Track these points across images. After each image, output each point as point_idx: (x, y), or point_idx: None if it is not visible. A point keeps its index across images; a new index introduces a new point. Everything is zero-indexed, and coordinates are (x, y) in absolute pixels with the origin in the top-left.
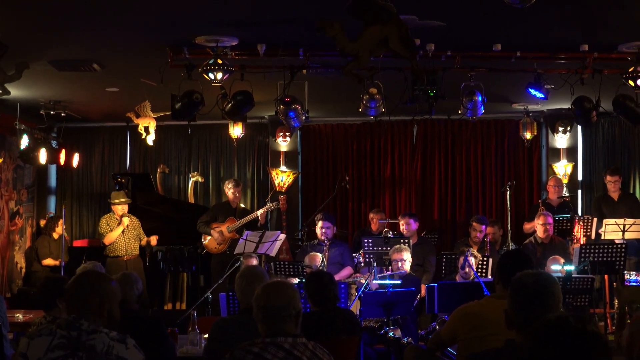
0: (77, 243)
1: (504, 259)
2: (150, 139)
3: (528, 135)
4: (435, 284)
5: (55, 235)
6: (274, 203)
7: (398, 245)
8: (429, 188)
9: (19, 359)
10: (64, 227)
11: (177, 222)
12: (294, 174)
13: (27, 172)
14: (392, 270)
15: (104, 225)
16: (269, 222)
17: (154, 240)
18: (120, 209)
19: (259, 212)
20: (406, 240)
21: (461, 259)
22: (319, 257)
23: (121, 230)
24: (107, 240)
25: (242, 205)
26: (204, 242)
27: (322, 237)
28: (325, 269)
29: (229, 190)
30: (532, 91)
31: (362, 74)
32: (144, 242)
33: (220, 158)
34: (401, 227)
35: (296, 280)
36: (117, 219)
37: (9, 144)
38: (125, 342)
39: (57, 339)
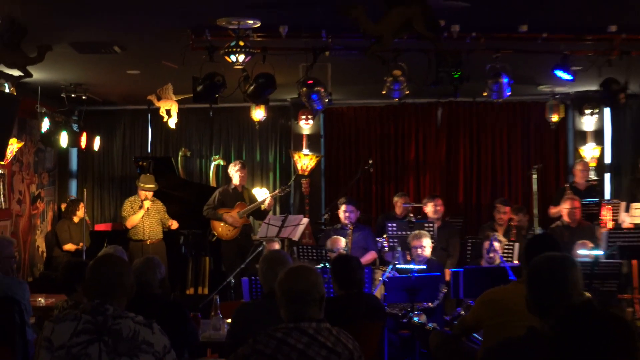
0: (99, 227)
1: (531, 243)
2: (171, 122)
3: (554, 118)
4: (461, 269)
5: (76, 219)
6: (280, 189)
7: (417, 232)
8: (453, 172)
9: (44, 343)
10: (85, 210)
11: (199, 206)
12: (316, 157)
13: (48, 156)
14: (412, 257)
15: (128, 208)
16: (291, 206)
17: (174, 224)
18: (144, 193)
19: (267, 201)
20: (431, 225)
21: (486, 244)
22: (342, 241)
23: (141, 214)
24: (129, 223)
25: (258, 187)
26: (214, 229)
27: (346, 221)
28: (349, 254)
29: (236, 172)
30: (559, 73)
31: (386, 56)
32: (166, 227)
33: (242, 141)
34: (430, 209)
35: (320, 265)
36: (140, 202)
37: (29, 128)
38: (152, 327)
39: (83, 324)
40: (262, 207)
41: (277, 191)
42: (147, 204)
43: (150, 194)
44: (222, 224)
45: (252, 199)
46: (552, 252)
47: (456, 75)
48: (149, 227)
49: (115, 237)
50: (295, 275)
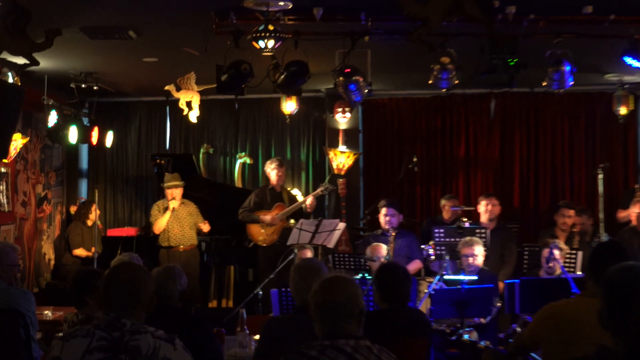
0: (112, 232)
1: (597, 252)
2: (193, 116)
3: (623, 111)
4: (517, 280)
5: (89, 222)
6: (323, 188)
7: (468, 238)
8: (508, 171)
9: None
10: (98, 213)
11: (222, 209)
12: (354, 154)
13: (56, 153)
14: (462, 267)
15: (155, 212)
16: (326, 210)
17: (205, 226)
18: (170, 193)
19: (308, 201)
20: (483, 231)
21: (545, 252)
22: (383, 249)
23: (167, 217)
24: (156, 228)
25: (288, 188)
26: (250, 234)
27: (387, 226)
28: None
29: (272, 171)
30: (628, 60)
31: (433, 41)
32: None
33: (271, 137)
34: (482, 209)
35: (358, 276)
36: (167, 204)
37: (35, 121)
38: (174, 343)
39: (97, 341)
40: (304, 208)
41: (319, 189)
42: (172, 204)
43: (177, 194)
44: (259, 228)
45: (293, 200)
46: (622, 261)
47: (512, 63)
48: (179, 232)
49: (129, 243)
50: (331, 287)
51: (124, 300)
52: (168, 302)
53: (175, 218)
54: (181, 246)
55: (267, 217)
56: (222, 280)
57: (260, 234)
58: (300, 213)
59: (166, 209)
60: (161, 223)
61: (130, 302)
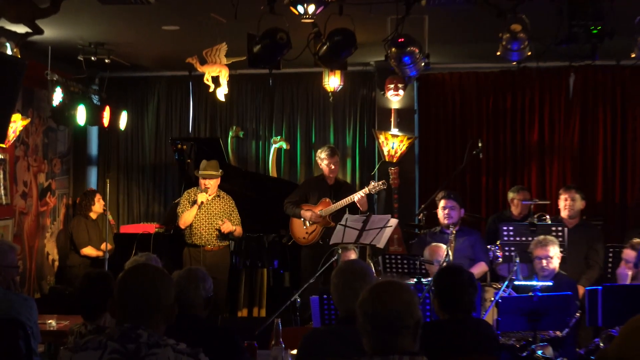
0: (125, 229)
1: None
2: (220, 93)
3: None
4: (599, 287)
5: (93, 215)
6: (379, 182)
7: (542, 237)
8: (589, 159)
9: None
10: (105, 206)
11: (254, 202)
12: (408, 139)
13: (61, 137)
14: (535, 271)
15: (184, 202)
16: (375, 204)
17: (237, 230)
18: (203, 183)
19: (356, 198)
20: (560, 229)
21: (630, 254)
22: (442, 250)
23: (194, 211)
24: (182, 222)
25: (342, 178)
26: (291, 230)
27: (446, 222)
28: (459, 265)
29: (322, 161)
30: None
31: (502, 5)
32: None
33: (312, 118)
34: (562, 204)
35: (413, 281)
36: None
37: (37, 100)
38: (198, 358)
39: (109, 354)
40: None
41: (373, 185)
42: (201, 197)
43: (212, 185)
44: (301, 225)
45: (343, 195)
46: None
47: (595, 31)
48: (208, 229)
49: (146, 242)
50: (381, 294)
51: (140, 308)
52: (191, 311)
53: (205, 213)
54: (208, 246)
55: (308, 213)
56: (254, 285)
57: (301, 232)
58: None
59: (194, 201)
60: (187, 217)
61: (148, 310)
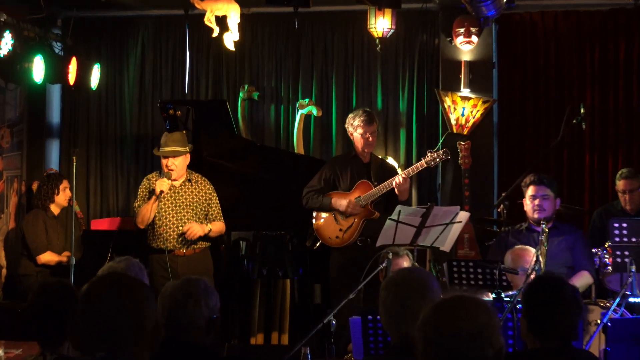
0: (98, 224)
1: None
2: (228, 40)
3: None
4: None
5: (56, 209)
6: (439, 152)
7: None
8: None
9: None
10: (73, 197)
11: (273, 189)
12: (484, 103)
13: (11, 99)
14: None
15: (141, 192)
16: (438, 190)
17: (216, 227)
18: (165, 164)
19: (397, 179)
20: None
21: None
22: (530, 254)
23: (154, 204)
24: (139, 219)
25: (381, 157)
26: (317, 229)
27: (536, 216)
28: (556, 275)
29: (355, 130)
30: None
31: None
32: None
33: (351, 74)
34: None
35: (490, 296)
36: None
37: None
38: None
39: None
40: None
41: (430, 155)
42: (161, 185)
43: (179, 166)
44: (331, 221)
45: (385, 176)
46: None
47: None
48: (177, 227)
49: (125, 241)
50: (449, 314)
51: (114, 333)
52: (188, 336)
53: (171, 205)
54: (181, 249)
55: (343, 201)
56: (273, 301)
57: (332, 229)
58: (395, 197)
59: (153, 190)
60: (145, 213)
61: (124, 335)
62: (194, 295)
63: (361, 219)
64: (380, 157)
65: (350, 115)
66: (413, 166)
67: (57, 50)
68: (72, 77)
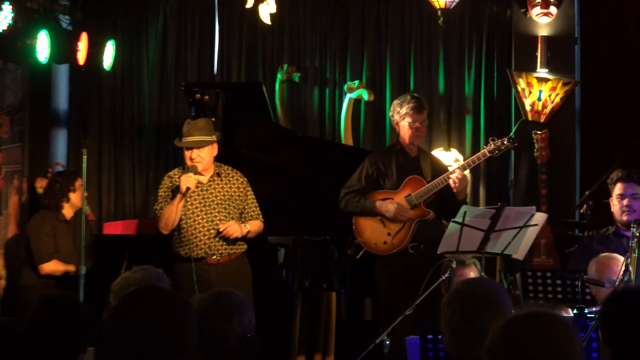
0: (112, 228)
1: None
2: (264, 12)
3: None
4: None
5: (69, 211)
6: (504, 139)
7: None
8: None
9: None
10: (86, 194)
11: (317, 186)
12: (565, 85)
13: (12, 82)
14: None
15: (163, 192)
16: (510, 188)
17: (254, 226)
18: (190, 157)
19: (453, 176)
20: None
21: None
22: (618, 263)
23: (179, 205)
24: (162, 224)
25: (437, 151)
26: (360, 234)
27: (625, 218)
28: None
29: (403, 118)
30: None
31: None
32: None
33: (409, 52)
34: None
35: (571, 312)
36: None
37: None
38: None
39: None
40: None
41: (493, 144)
42: (187, 181)
43: (205, 157)
44: (376, 224)
45: (438, 171)
46: None
47: None
48: (207, 229)
49: (144, 249)
50: (523, 334)
51: (147, 356)
52: (219, 358)
53: (199, 204)
54: (213, 256)
55: (390, 205)
56: (316, 317)
57: (379, 233)
58: (451, 195)
59: (177, 188)
60: (169, 216)
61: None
62: (224, 311)
63: (413, 221)
64: (437, 149)
65: (396, 102)
66: (473, 157)
67: (64, 25)
68: (82, 56)
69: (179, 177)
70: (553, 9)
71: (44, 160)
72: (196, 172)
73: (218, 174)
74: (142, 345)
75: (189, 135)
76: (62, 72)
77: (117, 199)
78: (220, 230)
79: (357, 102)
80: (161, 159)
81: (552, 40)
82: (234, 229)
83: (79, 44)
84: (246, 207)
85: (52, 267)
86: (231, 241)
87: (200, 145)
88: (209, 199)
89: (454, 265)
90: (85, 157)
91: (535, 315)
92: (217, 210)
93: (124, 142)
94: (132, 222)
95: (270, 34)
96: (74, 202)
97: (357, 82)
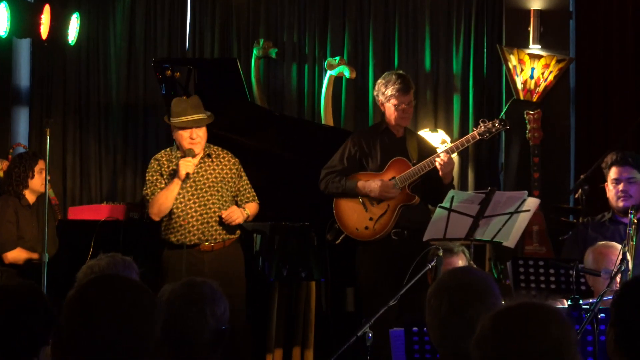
0: (77, 213)
1: None
2: None
3: None
4: None
5: (31, 196)
6: (494, 121)
7: None
8: None
9: None
10: (46, 179)
11: (295, 170)
12: (559, 62)
13: None
14: None
15: (152, 176)
16: (500, 171)
17: (250, 210)
18: (190, 137)
19: (441, 156)
20: None
21: None
22: (615, 251)
23: (176, 190)
24: (155, 209)
25: (423, 132)
26: (340, 219)
27: (621, 204)
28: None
29: (388, 99)
30: None
31: None
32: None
33: (393, 27)
34: None
35: (565, 303)
36: (176, 161)
37: None
38: None
39: None
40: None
41: (482, 126)
42: (185, 166)
43: (200, 138)
44: (357, 208)
45: (425, 153)
46: None
47: None
48: (200, 214)
49: (111, 235)
50: (514, 327)
51: (108, 348)
52: (191, 353)
53: (192, 187)
54: (206, 242)
55: (373, 183)
56: (295, 308)
57: (360, 218)
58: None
59: (174, 172)
60: (165, 201)
61: (121, 350)
62: (197, 301)
63: (396, 205)
64: (425, 130)
65: (380, 81)
66: (462, 139)
67: None
68: (44, 30)
69: (171, 160)
70: None
71: (4, 140)
72: (193, 155)
73: (209, 155)
74: (100, 337)
75: (185, 114)
76: (24, 47)
77: (83, 182)
78: (223, 217)
79: (338, 79)
80: (129, 140)
81: (545, 14)
82: (237, 214)
83: (41, 16)
84: (241, 189)
85: (16, 255)
86: (226, 227)
87: (200, 124)
88: (200, 182)
89: (441, 254)
90: (48, 137)
91: (527, 306)
92: (209, 193)
93: (89, 121)
94: (99, 207)
95: (245, 7)
96: (34, 187)
97: (337, 58)
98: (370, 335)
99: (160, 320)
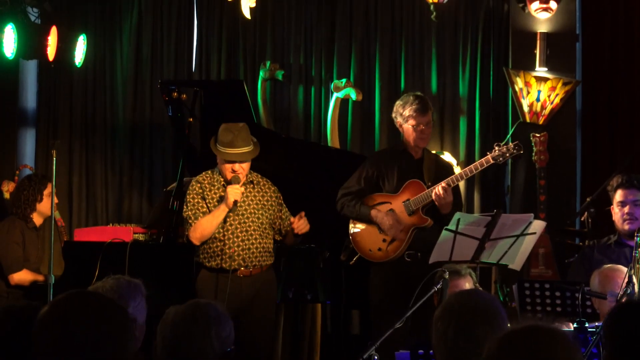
0: (83, 234)
1: None
2: (245, 5)
3: None
4: None
5: (38, 219)
6: (509, 145)
7: None
8: None
9: None
10: (56, 201)
11: (301, 191)
12: (565, 84)
13: None
14: None
15: (194, 199)
16: (506, 194)
17: (302, 225)
18: (237, 169)
19: (437, 189)
20: None
21: None
22: (622, 274)
23: (224, 215)
24: (197, 233)
25: (435, 152)
26: (355, 241)
27: (627, 227)
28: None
29: (406, 120)
30: None
31: None
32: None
33: (400, 49)
34: None
35: (572, 326)
36: (222, 186)
37: None
38: None
39: None
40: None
41: (497, 150)
42: (234, 193)
43: (243, 169)
44: (372, 230)
45: (441, 175)
46: None
47: None
48: (242, 240)
49: (118, 256)
50: (521, 349)
51: None
52: None
53: (235, 213)
54: (244, 268)
55: (386, 218)
56: (300, 331)
57: (374, 239)
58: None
59: (220, 198)
60: (209, 226)
61: None
62: (201, 322)
63: (410, 228)
64: (434, 152)
65: (398, 103)
66: (476, 163)
67: (33, 18)
68: (51, 52)
69: (213, 184)
70: (553, 4)
71: (10, 162)
72: (239, 183)
73: (251, 182)
74: (72, 354)
75: (233, 146)
76: (31, 69)
77: (89, 204)
78: (294, 225)
79: (344, 101)
80: (135, 161)
81: (551, 37)
82: (306, 222)
83: (48, 38)
84: (282, 217)
85: (22, 276)
86: (264, 253)
87: (246, 158)
88: (242, 208)
89: (447, 276)
90: (54, 159)
91: (534, 329)
92: (250, 220)
93: (96, 143)
94: (105, 229)
95: (252, 29)
96: (42, 210)
97: (344, 80)
98: (376, 357)
99: (133, 339)
